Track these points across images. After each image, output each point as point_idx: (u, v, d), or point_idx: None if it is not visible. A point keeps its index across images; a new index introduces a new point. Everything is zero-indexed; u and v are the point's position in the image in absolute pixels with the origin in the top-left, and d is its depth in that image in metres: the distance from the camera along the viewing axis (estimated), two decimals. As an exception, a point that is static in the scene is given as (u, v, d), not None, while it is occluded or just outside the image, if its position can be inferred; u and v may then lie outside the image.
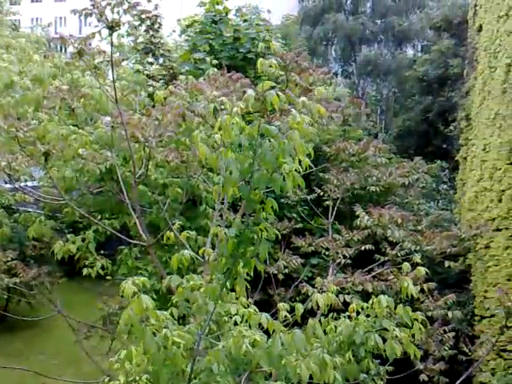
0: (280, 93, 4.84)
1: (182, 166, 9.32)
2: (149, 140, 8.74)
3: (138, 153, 9.25)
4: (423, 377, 8.71)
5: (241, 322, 6.04)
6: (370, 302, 6.01)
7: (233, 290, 6.39)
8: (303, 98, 5.25)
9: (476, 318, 11.85)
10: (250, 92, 4.99)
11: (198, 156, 9.23)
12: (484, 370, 10.81)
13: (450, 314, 8.94)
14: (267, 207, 5.25)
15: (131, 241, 9.74)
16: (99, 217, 10.82)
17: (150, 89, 14.13)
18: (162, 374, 5.79)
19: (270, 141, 4.76)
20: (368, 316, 6.05)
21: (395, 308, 5.91)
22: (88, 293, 13.07)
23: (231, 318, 6.33)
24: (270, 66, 5.73)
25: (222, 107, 8.00)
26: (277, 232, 5.51)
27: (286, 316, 6.22)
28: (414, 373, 8.83)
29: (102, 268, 9.62)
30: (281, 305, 6.18)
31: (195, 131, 8.11)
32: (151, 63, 16.91)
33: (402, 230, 8.89)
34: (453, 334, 9.16)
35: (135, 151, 9.11)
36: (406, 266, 6.49)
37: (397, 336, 5.88)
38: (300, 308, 5.72)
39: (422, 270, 6.49)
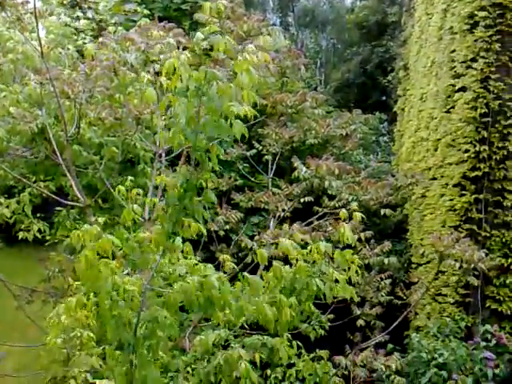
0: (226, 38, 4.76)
1: (117, 124, 9.09)
2: (79, 96, 8.45)
3: (69, 111, 8.94)
4: (360, 322, 8.98)
5: (186, 273, 6.07)
6: (309, 248, 6.11)
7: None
8: (251, 45, 5.13)
9: (413, 266, 12.24)
10: (199, 34, 4.90)
11: (132, 112, 9.06)
12: (420, 315, 11.24)
13: (386, 261, 9.18)
14: (213, 156, 5.26)
15: (67, 202, 9.51)
16: (34, 179, 10.50)
17: (80, 42, 13.58)
18: (110, 326, 5.78)
19: (217, 83, 4.71)
20: (307, 262, 6.16)
21: (333, 254, 6.03)
22: (28, 259, 12.81)
23: (175, 271, 6.34)
24: (218, 11, 5.50)
25: (154, 58, 7.79)
26: (220, 181, 5.54)
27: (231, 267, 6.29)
28: (353, 319, 9.11)
29: (40, 231, 9.47)
30: (225, 256, 6.20)
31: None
32: (79, 17, 16.20)
33: (339, 181, 8.99)
34: (389, 280, 9.45)
35: (66, 109, 8.81)
36: (344, 213, 6.54)
37: (336, 280, 6.04)
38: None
39: (358, 215, 6.58)
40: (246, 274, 5.82)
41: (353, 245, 6.72)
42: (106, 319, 5.95)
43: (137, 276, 6.10)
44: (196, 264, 6.17)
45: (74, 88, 8.35)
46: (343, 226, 6.14)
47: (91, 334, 6.15)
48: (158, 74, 8.20)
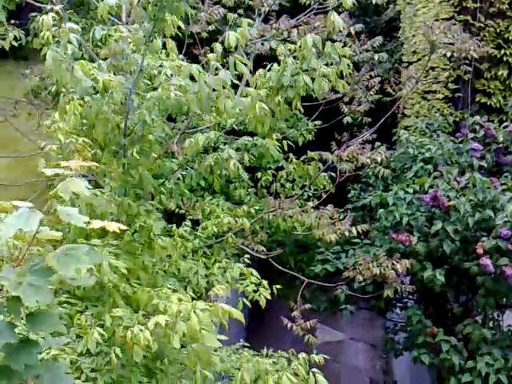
0: None
1: None
2: None
3: None
4: (347, 119, 8.93)
5: (171, 75, 5.91)
6: (298, 43, 5.89)
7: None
8: None
9: (403, 65, 11.95)
10: None
11: None
12: (409, 114, 11.19)
13: (376, 56, 8.89)
14: None
15: (43, 5, 8.99)
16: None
17: None
18: (97, 128, 5.85)
19: None
20: (296, 58, 5.97)
21: (323, 48, 5.81)
22: (10, 76, 12.58)
23: (160, 72, 6.17)
24: None
25: None
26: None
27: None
28: (341, 122, 9.07)
29: (16, 39, 9.14)
30: (210, 56, 5.94)
31: None
32: None
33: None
34: (379, 78, 9.24)
35: None
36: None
37: (325, 75, 5.90)
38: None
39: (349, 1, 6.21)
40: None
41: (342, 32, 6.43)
42: (92, 121, 5.94)
43: (120, 77, 5.92)
44: (180, 66, 5.96)
45: None
46: (332, 13, 5.85)
47: (87, 140, 6.14)
48: None
